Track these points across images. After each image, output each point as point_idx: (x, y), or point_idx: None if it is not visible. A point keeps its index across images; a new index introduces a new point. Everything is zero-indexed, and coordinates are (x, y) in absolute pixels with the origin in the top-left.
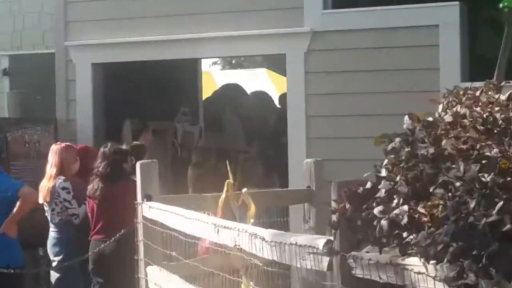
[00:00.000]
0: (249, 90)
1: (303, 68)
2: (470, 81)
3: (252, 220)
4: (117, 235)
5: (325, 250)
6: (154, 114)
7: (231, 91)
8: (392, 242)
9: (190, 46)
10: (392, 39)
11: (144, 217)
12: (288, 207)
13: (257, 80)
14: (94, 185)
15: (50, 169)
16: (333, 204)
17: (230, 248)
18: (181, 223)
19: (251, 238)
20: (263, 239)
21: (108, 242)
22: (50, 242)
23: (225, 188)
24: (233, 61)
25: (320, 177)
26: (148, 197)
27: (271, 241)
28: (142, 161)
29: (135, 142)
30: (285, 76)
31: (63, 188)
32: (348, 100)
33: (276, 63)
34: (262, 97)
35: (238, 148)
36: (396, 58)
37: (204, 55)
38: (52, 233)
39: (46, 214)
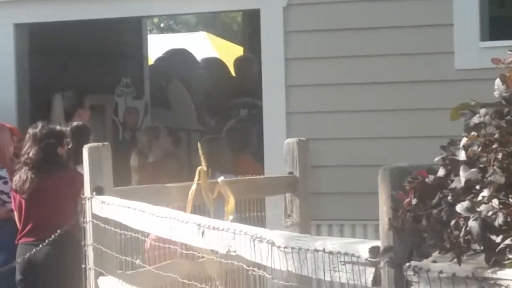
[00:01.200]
0: (198, 56)
1: (282, 26)
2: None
3: (231, 217)
4: (52, 237)
5: (370, 259)
6: (90, 86)
7: (178, 58)
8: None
9: (133, 1)
10: None
11: (94, 215)
12: (264, 198)
13: (197, 45)
14: (21, 176)
15: None
16: (383, 198)
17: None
18: (148, 224)
19: (253, 243)
20: (273, 244)
21: (40, 246)
22: None
23: (196, 177)
24: (162, 25)
25: (305, 161)
26: (99, 190)
27: (285, 247)
28: (90, 145)
29: (75, 122)
30: (226, 39)
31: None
32: (338, 66)
33: (215, 25)
34: (215, 64)
35: (190, 127)
36: (398, 12)
37: (151, 12)
38: None
39: None
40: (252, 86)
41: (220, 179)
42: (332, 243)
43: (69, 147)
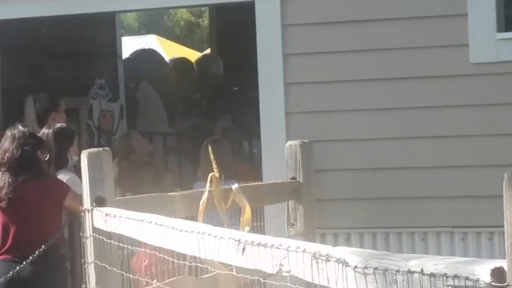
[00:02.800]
0: (165, 57)
1: (279, 19)
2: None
3: (247, 228)
4: (36, 253)
5: (495, 283)
6: (63, 88)
7: (146, 58)
8: None
9: None
10: None
11: (95, 229)
12: (263, 206)
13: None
14: None
15: None
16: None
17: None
18: (168, 239)
19: (316, 262)
20: (345, 263)
21: (24, 263)
22: None
23: (208, 184)
24: None
25: (308, 165)
26: (100, 201)
27: (364, 267)
28: (90, 150)
29: (58, 124)
30: (176, 42)
31: None
32: (341, 61)
33: (159, 29)
34: (184, 64)
35: (161, 130)
36: (406, 2)
37: (126, 6)
38: None
39: None
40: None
41: (235, 186)
42: (434, 263)
43: (46, 158)
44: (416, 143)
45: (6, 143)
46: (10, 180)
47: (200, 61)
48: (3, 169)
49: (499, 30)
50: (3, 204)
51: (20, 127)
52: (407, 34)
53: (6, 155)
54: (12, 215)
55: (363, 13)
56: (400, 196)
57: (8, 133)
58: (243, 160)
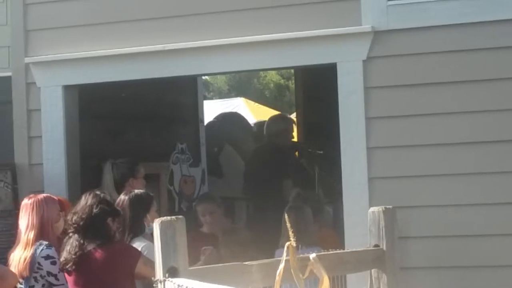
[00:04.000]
0: (251, 120)
1: (362, 81)
2: None
3: None
4: None
5: None
6: (144, 152)
7: (230, 122)
8: None
9: (189, 58)
10: (489, 36)
11: None
12: (346, 275)
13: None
14: (67, 247)
15: (26, 232)
16: None
17: None
18: None
19: None
20: None
21: None
22: None
23: (284, 254)
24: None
25: (392, 231)
26: (172, 272)
27: None
28: (162, 218)
29: (136, 191)
30: (263, 104)
31: (47, 257)
32: (425, 124)
33: (248, 92)
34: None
35: (244, 196)
36: (495, 62)
37: (208, 70)
38: None
39: None
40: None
41: (312, 256)
42: None
43: (119, 228)
44: (504, 209)
45: (79, 207)
46: (77, 242)
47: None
48: (70, 231)
49: None
50: (70, 266)
51: (96, 192)
52: (491, 96)
53: (74, 217)
54: (80, 279)
55: (446, 75)
56: (487, 264)
57: (83, 197)
58: (325, 226)
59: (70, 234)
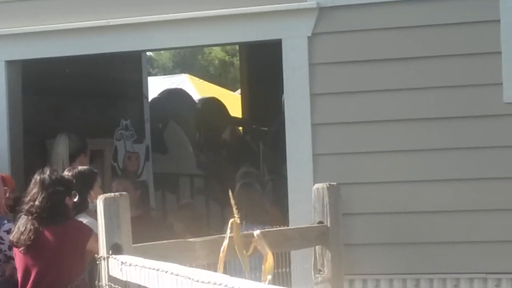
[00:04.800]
0: (196, 97)
1: (307, 58)
2: None
3: (269, 277)
4: None
5: None
6: (87, 128)
7: (174, 98)
8: None
9: (134, 33)
10: (432, 13)
11: (111, 278)
12: (290, 252)
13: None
14: (20, 227)
15: None
16: None
17: None
18: None
19: None
20: None
21: None
22: None
23: (228, 231)
24: None
25: (336, 208)
26: (116, 248)
27: None
28: (106, 195)
29: (80, 167)
30: (207, 81)
31: (9, 232)
32: (370, 101)
33: (193, 68)
34: (213, 104)
35: (190, 172)
36: (436, 40)
37: (153, 45)
38: None
39: None
40: None
41: (256, 232)
42: None
43: (76, 199)
44: (449, 186)
45: (35, 190)
46: (33, 226)
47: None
48: (30, 216)
49: None
50: (22, 250)
51: (49, 173)
52: (438, 73)
53: (36, 203)
54: (32, 258)
55: (392, 52)
56: (431, 241)
57: (37, 178)
58: (270, 203)
59: (26, 214)
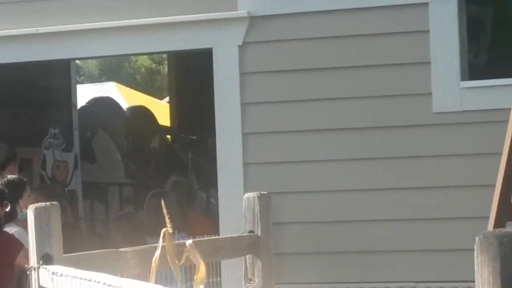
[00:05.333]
0: (123, 105)
1: (238, 67)
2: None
3: (201, 287)
4: None
5: None
6: (15, 137)
7: (103, 107)
8: None
9: (63, 42)
10: (365, 23)
11: None
12: (220, 261)
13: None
14: None
15: None
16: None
17: None
18: None
19: None
20: None
21: None
22: None
23: (160, 240)
24: None
25: (267, 217)
26: (47, 258)
27: None
28: (37, 205)
29: (9, 176)
30: (134, 89)
31: None
32: (301, 111)
33: (119, 76)
34: (141, 113)
35: (118, 180)
36: (367, 49)
37: (82, 54)
38: None
39: None
40: None
41: (189, 242)
42: None
43: (8, 209)
44: (377, 195)
45: None
46: None
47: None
48: None
49: (463, 78)
50: None
51: None
52: (368, 82)
53: None
54: None
55: (323, 61)
56: (360, 250)
57: None
58: (198, 212)
59: None
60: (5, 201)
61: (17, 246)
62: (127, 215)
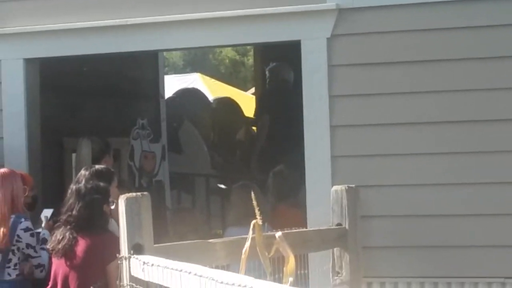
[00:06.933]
0: (208, 96)
1: (326, 59)
2: None
3: (291, 279)
4: None
5: None
6: (104, 128)
7: (189, 98)
8: None
9: (150, 33)
10: (459, 16)
11: (133, 278)
12: (307, 254)
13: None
14: (57, 236)
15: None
16: None
17: None
18: None
19: None
20: None
21: None
22: None
23: (250, 232)
24: None
25: (354, 210)
26: (137, 248)
27: None
28: (128, 195)
29: (97, 166)
30: (220, 80)
31: (26, 230)
32: (389, 104)
33: (204, 67)
34: (228, 104)
35: (204, 171)
36: (460, 42)
37: (170, 45)
38: None
39: None
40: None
41: (278, 234)
42: None
43: (113, 206)
44: (469, 190)
45: (72, 199)
46: (71, 236)
47: (273, 68)
48: (69, 226)
49: None
50: (57, 257)
51: (84, 181)
52: (460, 76)
53: (73, 213)
54: (63, 265)
55: (412, 54)
56: (450, 244)
57: (73, 187)
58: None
59: (63, 224)
60: (111, 199)
61: (111, 255)
62: (184, 209)
